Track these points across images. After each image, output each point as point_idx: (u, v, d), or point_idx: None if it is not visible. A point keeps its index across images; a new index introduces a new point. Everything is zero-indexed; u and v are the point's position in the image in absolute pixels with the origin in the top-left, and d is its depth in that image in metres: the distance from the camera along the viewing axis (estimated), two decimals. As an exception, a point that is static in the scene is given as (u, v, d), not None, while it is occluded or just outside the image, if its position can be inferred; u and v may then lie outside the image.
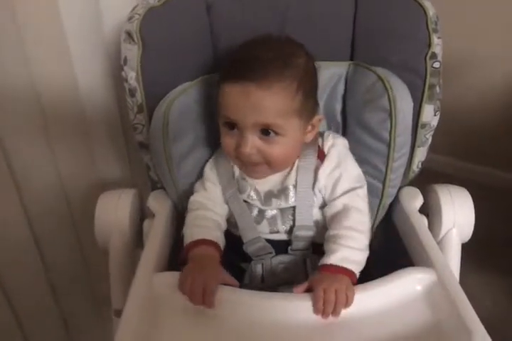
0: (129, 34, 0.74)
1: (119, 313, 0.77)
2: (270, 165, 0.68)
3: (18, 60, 0.80)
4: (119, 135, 1.00)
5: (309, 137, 0.71)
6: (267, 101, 0.62)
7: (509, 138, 1.61)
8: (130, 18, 0.75)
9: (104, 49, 0.89)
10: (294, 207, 0.71)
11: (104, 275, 0.82)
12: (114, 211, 0.79)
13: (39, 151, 0.89)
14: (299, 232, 0.70)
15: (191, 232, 0.69)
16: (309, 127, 0.70)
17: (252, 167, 0.69)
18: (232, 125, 0.66)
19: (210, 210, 0.72)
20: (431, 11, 0.74)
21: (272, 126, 0.64)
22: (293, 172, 0.71)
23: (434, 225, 0.79)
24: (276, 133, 0.65)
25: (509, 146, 1.62)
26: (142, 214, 0.85)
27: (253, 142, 0.65)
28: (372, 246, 0.75)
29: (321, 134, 0.75)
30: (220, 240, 0.69)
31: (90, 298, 1.08)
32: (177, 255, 0.69)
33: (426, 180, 0.84)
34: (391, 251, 0.80)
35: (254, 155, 0.66)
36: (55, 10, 0.80)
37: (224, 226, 0.73)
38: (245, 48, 0.66)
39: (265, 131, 0.65)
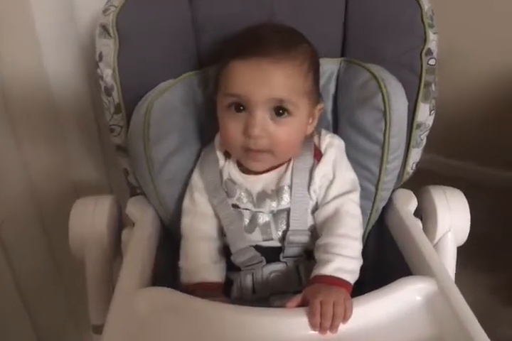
0: (104, 28, 0.70)
1: (97, 329, 0.73)
2: (275, 154, 0.65)
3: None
4: (94, 136, 0.96)
5: (310, 129, 0.69)
6: (280, 76, 0.61)
7: (502, 136, 1.61)
8: (105, 11, 0.70)
9: (77, 44, 0.85)
10: (287, 210, 0.68)
11: (79, 288, 0.78)
12: (90, 219, 0.75)
13: (7, 153, 0.84)
14: (293, 237, 0.67)
15: (190, 271, 0.67)
16: (310, 118, 0.68)
17: (255, 155, 0.65)
18: (239, 106, 0.63)
19: (202, 238, 0.69)
20: (426, 5, 0.72)
21: (286, 103, 0.62)
22: (288, 172, 0.68)
23: (429, 229, 0.77)
24: (289, 113, 0.63)
25: (502, 144, 1.62)
26: (120, 222, 0.81)
27: (263, 122, 0.62)
28: (366, 252, 0.72)
29: (318, 131, 0.72)
30: (221, 275, 0.68)
31: (65, 311, 1.03)
32: (160, 268, 0.65)
33: (415, 178, 0.82)
34: (385, 255, 0.78)
35: (261, 140, 0.63)
36: (24, 1, 0.75)
37: (220, 247, 0.71)
38: (248, 31, 0.65)
39: (278, 110, 0.62)
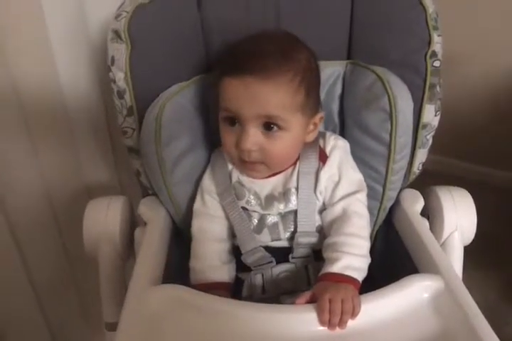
0: (116, 33, 0.71)
1: (110, 327, 0.75)
2: (268, 165, 0.66)
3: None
4: (105, 138, 0.97)
5: (311, 137, 0.70)
6: (268, 94, 0.61)
7: (507, 137, 1.62)
8: (117, 16, 0.71)
9: (89, 48, 0.87)
10: (295, 212, 0.69)
11: (93, 287, 0.80)
12: (103, 220, 0.76)
13: (22, 156, 0.86)
14: (301, 239, 0.68)
15: (199, 271, 0.68)
16: (311, 126, 0.68)
17: (250, 165, 0.67)
18: (232, 120, 0.64)
19: (213, 240, 0.71)
20: (430, 8, 0.73)
21: (275, 119, 0.62)
22: (294, 175, 0.69)
23: (435, 228, 0.78)
24: (280, 128, 0.63)
25: (507, 145, 1.62)
26: (133, 222, 0.82)
27: (254, 137, 0.63)
28: (373, 250, 0.74)
29: (322, 134, 0.73)
30: (230, 276, 0.69)
31: (79, 310, 1.04)
32: (172, 266, 0.66)
33: (421, 179, 0.83)
34: (392, 254, 0.78)
35: (254, 153, 0.64)
36: (37, 7, 0.76)
37: (231, 248, 0.72)
38: (244, 43, 0.65)
39: (268, 126, 0.63)
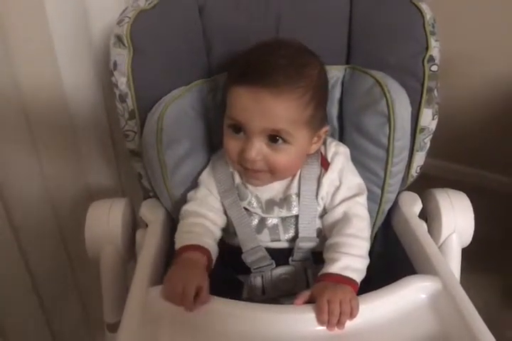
0: (118, 38, 0.72)
1: (111, 327, 0.75)
2: (273, 174, 0.67)
3: (1, 66, 0.77)
4: (107, 142, 0.98)
5: (314, 148, 0.70)
6: (278, 109, 0.61)
7: (504, 141, 1.62)
8: (120, 22, 0.73)
9: (91, 53, 0.87)
10: (296, 217, 0.70)
11: (94, 288, 0.80)
12: (105, 222, 0.77)
13: (24, 159, 0.86)
14: (302, 244, 0.69)
15: (181, 238, 0.67)
16: (315, 138, 0.69)
17: (253, 174, 0.67)
18: (238, 128, 0.64)
19: (201, 217, 0.70)
20: (428, 14, 0.74)
21: (281, 133, 0.63)
22: (295, 181, 0.70)
23: (433, 230, 0.78)
24: (285, 141, 0.64)
25: (504, 149, 1.63)
26: (134, 224, 0.83)
27: (259, 148, 0.63)
28: (372, 252, 0.74)
29: (323, 140, 0.73)
30: (210, 245, 0.66)
31: (80, 311, 1.05)
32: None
33: (419, 182, 0.84)
34: (391, 256, 0.79)
35: (258, 162, 0.65)
36: (41, 12, 0.77)
37: (217, 233, 0.70)
38: (257, 52, 0.64)
39: (273, 138, 0.63)
